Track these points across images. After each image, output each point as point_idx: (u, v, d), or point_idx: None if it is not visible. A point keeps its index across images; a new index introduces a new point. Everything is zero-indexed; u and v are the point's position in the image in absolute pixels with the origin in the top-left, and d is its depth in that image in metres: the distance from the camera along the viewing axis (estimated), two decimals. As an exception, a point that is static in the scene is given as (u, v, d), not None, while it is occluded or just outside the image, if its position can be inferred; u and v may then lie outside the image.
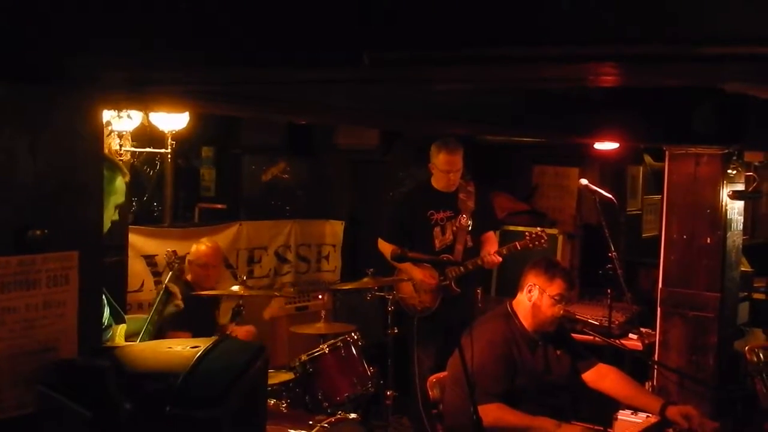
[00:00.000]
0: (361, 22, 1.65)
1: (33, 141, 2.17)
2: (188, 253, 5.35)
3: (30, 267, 2.13)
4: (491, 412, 3.57)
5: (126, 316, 4.11)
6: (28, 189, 2.16)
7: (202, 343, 2.04)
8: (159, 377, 1.88)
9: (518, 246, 5.39)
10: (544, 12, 1.60)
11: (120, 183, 3.15)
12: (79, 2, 2.06)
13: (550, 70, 1.94)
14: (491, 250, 5.41)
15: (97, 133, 2.39)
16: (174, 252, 4.26)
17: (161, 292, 3.81)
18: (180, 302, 3.86)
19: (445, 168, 5.41)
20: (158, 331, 3.75)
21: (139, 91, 2.55)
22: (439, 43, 1.65)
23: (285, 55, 1.80)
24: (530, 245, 5.37)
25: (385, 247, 5.42)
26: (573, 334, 4.28)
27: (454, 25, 1.64)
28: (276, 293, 6.21)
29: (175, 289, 3.78)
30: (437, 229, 5.47)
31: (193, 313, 4.69)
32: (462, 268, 5.32)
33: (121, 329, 4.02)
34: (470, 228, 5.48)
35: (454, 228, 5.47)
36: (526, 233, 5.54)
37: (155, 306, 3.89)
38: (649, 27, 1.54)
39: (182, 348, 2.02)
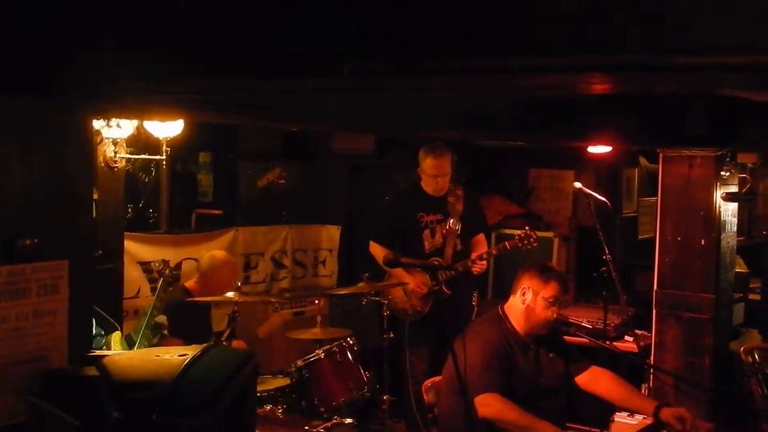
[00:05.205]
0: (343, 34, 1.67)
1: (24, 150, 2.19)
2: (185, 260, 5.35)
3: (20, 276, 2.14)
4: (493, 404, 3.56)
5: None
6: (19, 198, 2.17)
7: (191, 351, 2.05)
8: (146, 385, 1.90)
9: (507, 246, 5.39)
10: (531, 23, 1.61)
11: None
12: (70, 15, 2.07)
13: (536, 80, 1.95)
14: (481, 252, 5.42)
15: (87, 143, 2.41)
16: (165, 261, 4.30)
17: (148, 318, 3.87)
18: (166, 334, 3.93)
19: (432, 172, 5.42)
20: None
21: (129, 101, 2.57)
22: (424, 54, 1.67)
23: (270, 65, 1.82)
24: (519, 244, 5.36)
25: (377, 250, 5.44)
26: (567, 337, 4.28)
27: (439, 36, 1.65)
28: (272, 299, 6.21)
29: (163, 319, 3.86)
30: (427, 232, 5.48)
31: (187, 321, 4.70)
32: (452, 272, 5.32)
33: (116, 336, 4.06)
34: (459, 231, 5.49)
35: (444, 231, 5.47)
36: (516, 234, 5.55)
37: (144, 324, 3.95)
38: (635, 38, 1.55)
39: (170, 356, 2.03)
